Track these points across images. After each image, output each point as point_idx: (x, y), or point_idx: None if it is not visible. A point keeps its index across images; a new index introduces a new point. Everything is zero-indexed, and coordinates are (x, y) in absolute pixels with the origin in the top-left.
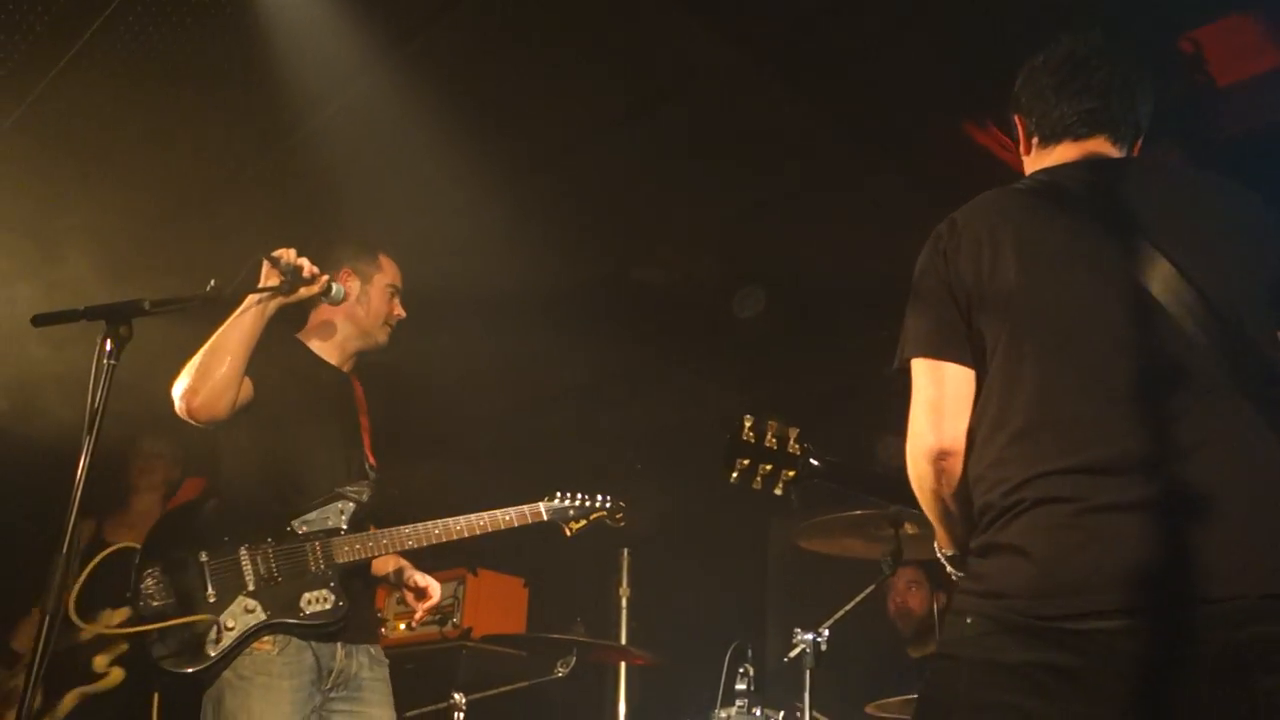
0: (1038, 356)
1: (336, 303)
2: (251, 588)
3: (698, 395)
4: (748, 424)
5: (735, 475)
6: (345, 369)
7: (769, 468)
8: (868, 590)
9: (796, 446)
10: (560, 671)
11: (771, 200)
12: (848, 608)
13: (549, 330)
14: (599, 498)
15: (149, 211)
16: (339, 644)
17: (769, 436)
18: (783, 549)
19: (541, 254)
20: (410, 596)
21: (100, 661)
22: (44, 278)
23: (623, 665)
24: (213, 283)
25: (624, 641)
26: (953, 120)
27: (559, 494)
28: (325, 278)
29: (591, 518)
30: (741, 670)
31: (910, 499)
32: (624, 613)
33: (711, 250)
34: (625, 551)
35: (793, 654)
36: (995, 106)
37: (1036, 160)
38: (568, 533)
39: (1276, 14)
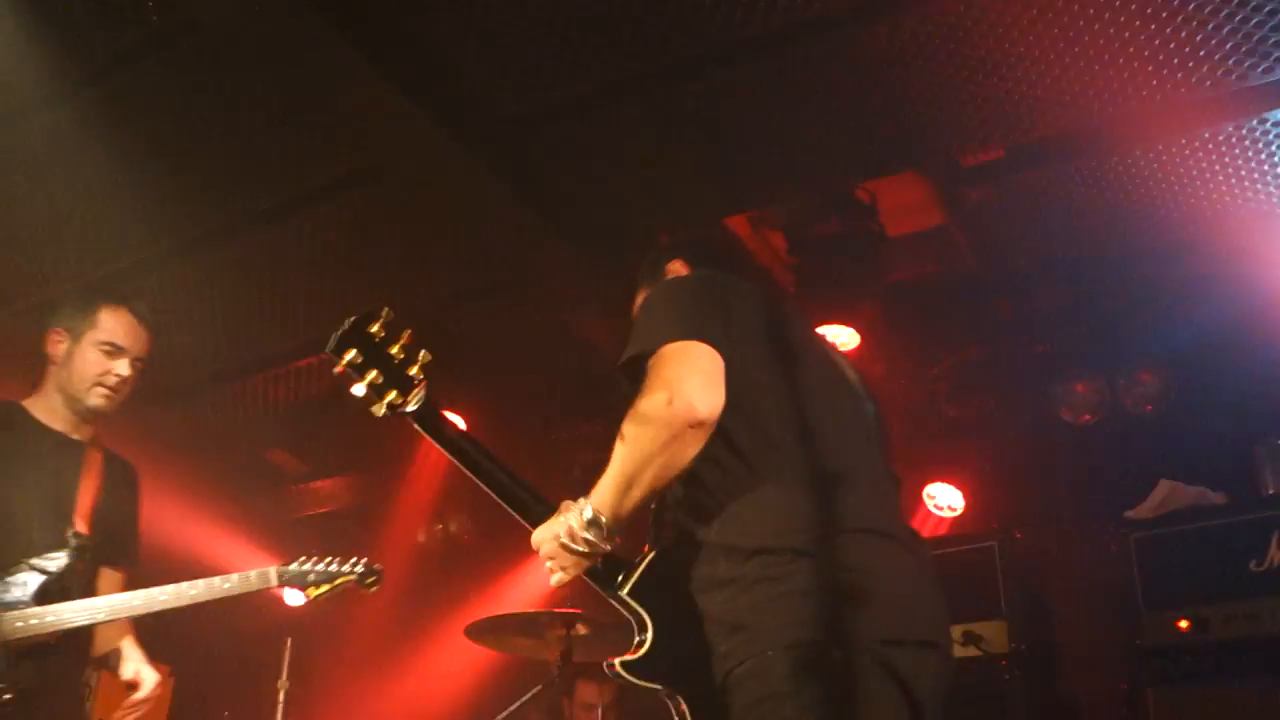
0: (811, 429)
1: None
2: None
3: None
4: (384, 316)
5: (341, 366)
6: (78, 435)
7: (379, 378)
8: (534, 691)
9: (420, 373)
10: None
11: (473, 289)
12: (513, 708)
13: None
14: (351, 562)
15: None
16: None
17: (397, 346)
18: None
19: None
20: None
21: None
22: None
23: None
24: None
25: None
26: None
27: (303, 556)
28: None
29: (337, 583)
30: None
31: (515, 498)
32: (280, 708)
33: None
34: (289, 641)
35: None
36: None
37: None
38: (307, 597)
39: (941, 176)
